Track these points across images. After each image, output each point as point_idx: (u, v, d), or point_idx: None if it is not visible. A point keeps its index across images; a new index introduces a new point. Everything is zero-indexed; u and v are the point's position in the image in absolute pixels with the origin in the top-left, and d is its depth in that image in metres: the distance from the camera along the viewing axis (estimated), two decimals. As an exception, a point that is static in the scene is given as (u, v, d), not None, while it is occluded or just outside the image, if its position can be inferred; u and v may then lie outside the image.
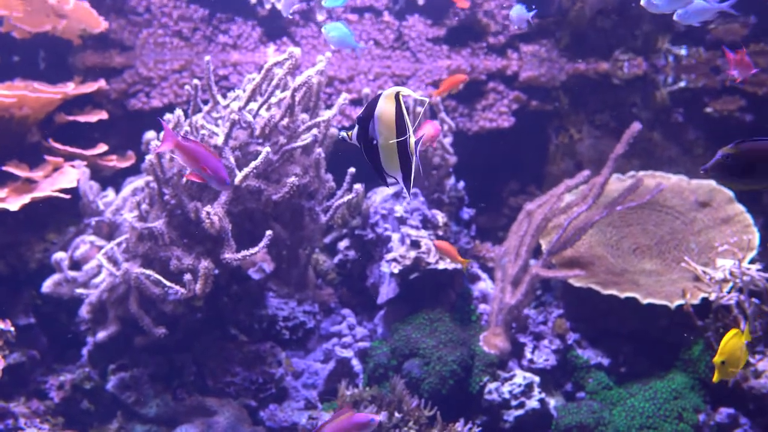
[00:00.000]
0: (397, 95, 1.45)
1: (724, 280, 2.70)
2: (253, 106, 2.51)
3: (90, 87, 3.11)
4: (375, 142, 1.46)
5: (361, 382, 2.84)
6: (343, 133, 1.52)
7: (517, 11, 2.84)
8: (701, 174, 1.71)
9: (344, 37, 2.50)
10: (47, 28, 3.15)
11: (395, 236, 2.94)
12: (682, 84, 3.43)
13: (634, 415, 2.68)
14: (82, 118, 3.07)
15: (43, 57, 3.36)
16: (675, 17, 2.51)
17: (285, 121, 2.52)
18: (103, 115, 3.14)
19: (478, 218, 3.37)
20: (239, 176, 2.30)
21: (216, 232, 2.29)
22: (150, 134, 2.85)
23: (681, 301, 2.74)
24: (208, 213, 2.24)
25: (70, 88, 3.02)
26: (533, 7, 2.80)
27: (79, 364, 2.77)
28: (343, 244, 3.15)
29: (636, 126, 2.82)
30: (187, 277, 2.32)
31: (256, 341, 2.84)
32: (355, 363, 2.87)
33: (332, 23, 2.51)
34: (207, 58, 2.45)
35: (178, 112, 2.39)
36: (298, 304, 2.99)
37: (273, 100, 2.52)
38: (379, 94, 1.46)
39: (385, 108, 1.45)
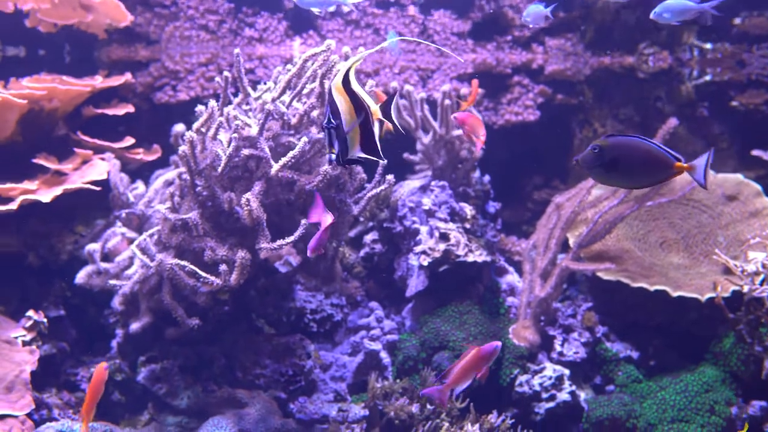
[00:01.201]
0: (345, 80, 1.47)
1: (756, 273, 2.69)
2: (285, 98, 2.51)
3: (117, 80, 3.12)
4: (346, 134, 1.49)
5: (391, 375, 2.83)
6: (331, 155, 1.52)
7: (533, 10, 2.83)
8: (575, 164, 1.72)
9: (392, 44, 2.86)
10: (73, 21, 3.16)
11: (423, 229, 2.94)
12: (708, 78, 3.43)
13: (665, 407, 2.68)
14: (110, 111, 3.08)
15: (69, 51, 3.36)
16: (652, 16, 2.50)
17: (316, 112, 2.52)
18: (130, 109, 3.15)
19: (502, 212, 3.37)
20: (276, 166, 2.29)
21: (252, 222, 2.29)
22: (179, 127, 2.85)
23: (712, 294, 2.73)
24: (248, 200, 2.24)
25: (99, 81, 3.02)
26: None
27: (108, 356, 2.77)
28: (369, 237, 3.14)
29: (672, 122, 2.81)
30: (223, 267, 2.32)
31: (285, 334, 2.84)
32: (384, 356, 2.87)
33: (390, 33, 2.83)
34: (236, 50, 2.45)
35: (212, 103, 2.38)
36: (326, 297, 2.98)
37: (304, 91, 2.52)
38: (330, 92, 1.48)
39: (338, 98, 1.48)
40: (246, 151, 2.36)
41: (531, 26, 3.40)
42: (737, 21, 3.36)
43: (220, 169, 2.34)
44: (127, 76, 3.18)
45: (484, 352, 2.06)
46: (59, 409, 2.54)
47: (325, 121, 1.48)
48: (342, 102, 1.49)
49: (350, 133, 1.50)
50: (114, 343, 2.76)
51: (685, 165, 1.62)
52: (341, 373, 2.88)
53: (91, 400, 2.11)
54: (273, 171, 2.30)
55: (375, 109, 1.51)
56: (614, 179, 1.69)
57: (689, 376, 2.76)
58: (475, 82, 2.82)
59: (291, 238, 2.28)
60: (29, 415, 2.32)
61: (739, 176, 3.22)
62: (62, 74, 3.08)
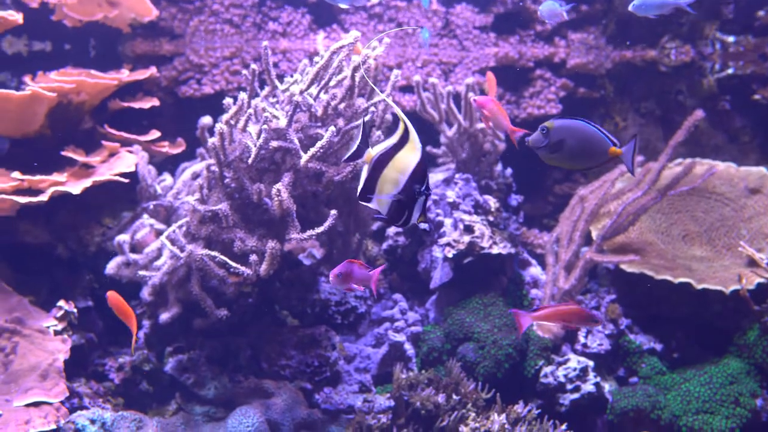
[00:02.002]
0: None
1: (781, 265, 2.69)
2: (313, 90, 2.53)
3: (142, 74, 3.14)
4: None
5: (415, 366, 2.85)
6: (428, 224, 1.48)
7: (548, 7, 2.82)
8: (526, 144, 1.83)
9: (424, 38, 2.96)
10: (99, 16, 3.19)
11: (447, 221, 2.95)
12: (730, 71, 3.42)
13: (689, 399, 2.68)
14: (136, 105, 3.11)
15: (94, 45, 3.40)
16: (630, 8, 2.53)
17: (342, 105, 2.53)
18: (155, 102, 3.18)
19: (523, 205, 3.38)
20: (305, 157, 2.31)
21: (282, 213, 2.31)
22: (206, 119, 2.86)
23: (737, 286, 2.73)
24: (278, 191, 2.26)
25: (125, 75, 3.05)
26: None
27: (135, 347, 2.80)
28: (392, 230, 3.16)
29: (698, 113, 2.82)
30: (253, 257, 2.34)
31: (310, 325, 2.86)
32: (408, 347, 2.89)
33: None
34: (264, 43, 2.47)
35: (242, 95, 2.40)
36: (349, 289, 3.00)
37: (332, 83, 2.54)
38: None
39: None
40: (275, 143, 2.38)
41: (548, 24, 3.41)
42: (761, 14, 3.35)
43: (250, 161, 2.36)
44: (152, 70, 3.21)
45: (583, 313, 2.03)
46: (89, 398, 2.57)
47: (423, 188, 1.41)
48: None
49: None
50: (141, 334, 2.79)
51: (618, 150, 1.69)
52: (365, 365, 2.89)
53: (132, 323, 2.15)
54: (303, 161, 2.32)
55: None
56: (558, 160, 1.75)
57: (713, 368, 2.77)
58: (488, 74, 2.84)
59: (320, 229, 2.30)
60: (62, 403, 2.35)
61: (762, 169, 3.21)
62: (87, 68, 3.11)
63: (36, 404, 2.28)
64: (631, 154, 1.73)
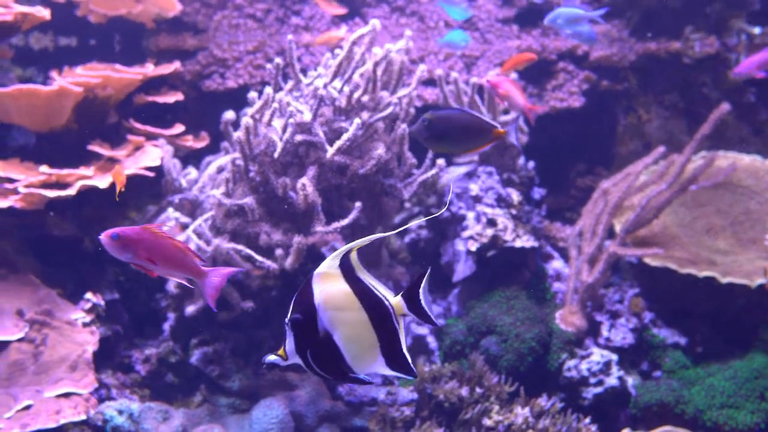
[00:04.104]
0: (344, 265, 1.12)
1: (808, 259, 2.67)
2: (336, 83, 2.54)
3: (167, 68, 3.17)
4: (332, 337, 1.14)
5: (438, 359, 2.86)
6: (271, 357, 1.17)
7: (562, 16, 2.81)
8: (410, 133, 1.97)
9: (452, 39, 3.02)
10: (123, 11, 3.22)
11: (470, 215, 2.95)
12: (756, 63, 3.39)
13: (714, 393, 2.67)
14: (160, 99, 3.13)
15: (118, 40, 3.43)
16: (546, 22, 2.65)
17: (366, 98, 2.54)
18: (180, 96, 3.20)
19: (545, 199, 3.37)
20: (331, 150, 2.33)
21: (306, 206, 2.33)
22: (229, 114, 2.87)
23: (762, 280, 2.71)
24: (303, 185, 2.28)
25: (150, 70, 3.08)
26: None
27: (161, 339, 2.83)
28: (414, 223, 3.17)
29: (725, 107, 2.79)
30: (279, 251, 2.36)
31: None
32: (431, 340, 2.90)
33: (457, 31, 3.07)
34: (289, 36, 2.49)
35: (268, 90, 2.42)
36: (372, 282, 3.01)
37: (355, 75, 2.55)
38: (309, 280, 1.14)
39: (331, 289, 1.14)
40: (300, 137, 2.39)
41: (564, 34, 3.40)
42: (787, 5, 3.32)
43: (276, 155, 2.38)
44: (177, 65, 3.23)
45: None
46: (116, 389, 2.60)
47: (288, 318, 1.14)
48: (338, 295, 1.14)
49: (355, 336, 1.15)
50: (166, 326, 2.82)
51: (501, 130, 1.85)
52: (388, 357, 2.91)
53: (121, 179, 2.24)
54: (329, 155, 2.33)
55: (397, 302, 1.15)
56: (444, 146, 1.91)
57: (738, 363, 2.75)
58: (525, 54, 2.82)
59: (345, 221, 2.32)
60: (91, 394, 2.39)
61: (788, 162, 3.19)
62: (112, 63, 3.13)
63: (66, 395, 2.32)
64: (514, 131, 1.95)
